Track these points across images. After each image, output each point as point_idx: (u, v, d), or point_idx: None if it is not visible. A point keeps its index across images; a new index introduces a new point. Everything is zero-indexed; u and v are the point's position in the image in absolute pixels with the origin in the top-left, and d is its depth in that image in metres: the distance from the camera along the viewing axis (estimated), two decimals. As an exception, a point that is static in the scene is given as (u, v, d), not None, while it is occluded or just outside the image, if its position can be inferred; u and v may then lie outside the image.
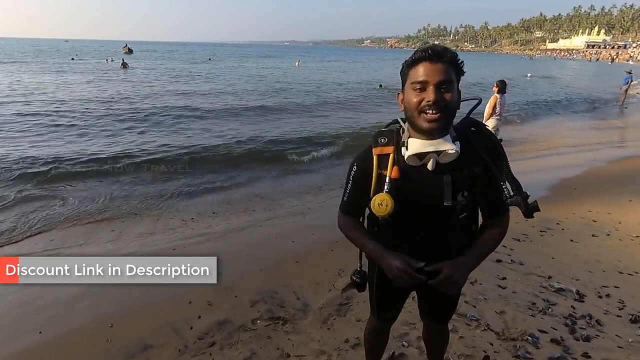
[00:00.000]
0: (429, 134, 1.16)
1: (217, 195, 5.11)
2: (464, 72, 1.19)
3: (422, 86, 1.12)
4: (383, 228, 1.33)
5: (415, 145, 1.18)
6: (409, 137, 1.21)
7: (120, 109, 11.28)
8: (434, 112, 1.12)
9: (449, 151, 1.16)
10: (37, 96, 13.07)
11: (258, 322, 2.54)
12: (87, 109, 11.15)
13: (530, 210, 1.23)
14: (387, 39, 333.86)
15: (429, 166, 1.19)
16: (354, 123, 10.61)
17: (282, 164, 6.71)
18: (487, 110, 6.44)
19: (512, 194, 1.22)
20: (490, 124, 6.48)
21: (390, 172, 1.23)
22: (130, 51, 52.48)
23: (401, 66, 1.22)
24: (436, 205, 1.21)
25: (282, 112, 11.96)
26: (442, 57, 1.12)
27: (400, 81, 1.24)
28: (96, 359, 2.28)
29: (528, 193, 1.23)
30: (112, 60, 32.24)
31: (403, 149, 1.22)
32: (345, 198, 1.39)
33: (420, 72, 1.13)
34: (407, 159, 1.20)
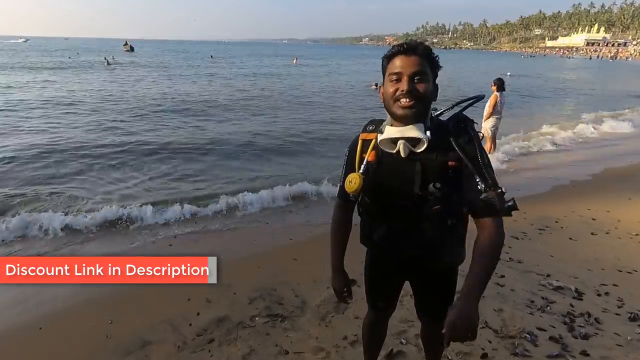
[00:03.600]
0: (403, 121, 1.22)
1: (212, 192, 5.09)
2: (440, 67, 1.26)
3: (398, 77, 1.20)
4: (364, 212, 1.43)
5: (387, 131, 1.26)
6: (390, 124, 1.28)
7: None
8: (407, 100, 1.19)
9: (418, 138, 1.21)
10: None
11: (256, 319, 2.54)
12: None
13: (505, 209, 1.17)
14: (386, 37, 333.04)
15: (401, 151, 1.24)
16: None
17: (281, 161, 6.70)
18: (488, 109, 6.41)
19: (486, 189, 1.18)
20: (489, 123, 6.47)
21: (368, 155, 1.31)
22: (131, 49, 52.32)
23: (381, 60, 1.28)
24: (407, 193, 1.27)
25: (278, 110, 11.95)
26: (415, 50, 1.19)
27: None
28: (96, 355, 2.27)
29: (504, 189, 1.18)
30: (113, 59, 32.39)
31: (379, 135, 1.29)
32: (340, 183, 1.45)
33: (396, 64, 1.20)
34: (379, 142, 1.28)
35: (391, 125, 1.27)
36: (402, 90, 1.18)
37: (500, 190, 1.17)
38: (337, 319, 2.55)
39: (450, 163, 1.23)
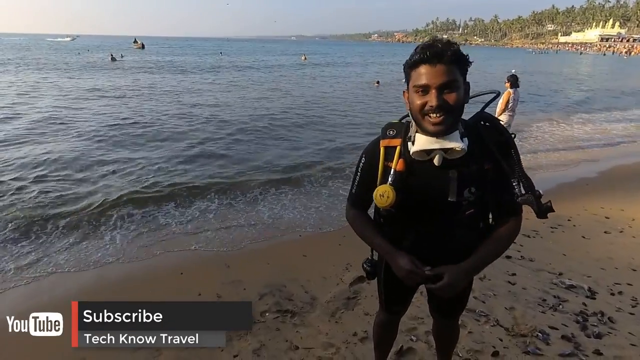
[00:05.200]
0: (434, 135, 1.14)
1: (224, 191, 5.12)
2: (471, 63, 1.15)
3: (424, 90, 1.09)
4: (388, 221, 1.33)
5: (421, 141, 1.16)
6: (416, 131, 1.19)
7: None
8: (437, 115, 1.09)
9: (456, 148, 1.14)
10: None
11: (267, 314, 2.56)
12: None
13: (543, 210, 1.17)
14: (395, 33, 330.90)
15: (436, 162, 1.17)
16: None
17: (289, 159, 6.71)
18: (500, 106, 6.35)
19: (523, 192, 1.18)
20: (502, 119, 6.40)
21: (396, 165, 1.21)
22: (142, 46, 52.61)
23: (402, 65, 1.19)
24: (440, 201, 1.20)
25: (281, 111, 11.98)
26: (442, 58, 1.07)
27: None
28: (107, 350, 2.29)
29: (541, 192, 1.18)
30: (122, 57, 32.69)
31: (409, 143, 1.20)
32: (353, 190, 1.38)
33: (421, 75, 1.09)
34: (412, 153, 1.19)
35: (417, 131, 1.19)
36: (431, 106, 1.08)
37: (538, 193, 1.17)
38: (346, 315, 2.56)
39: (486, 167, 1.19)
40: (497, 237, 1.27)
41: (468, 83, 1.17)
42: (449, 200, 1.19)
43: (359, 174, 1.35)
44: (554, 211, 1.17)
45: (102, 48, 51.03)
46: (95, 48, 50.97)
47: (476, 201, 1.21)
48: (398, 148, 1.23)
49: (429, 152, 1.17)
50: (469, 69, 1.16)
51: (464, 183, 1.18)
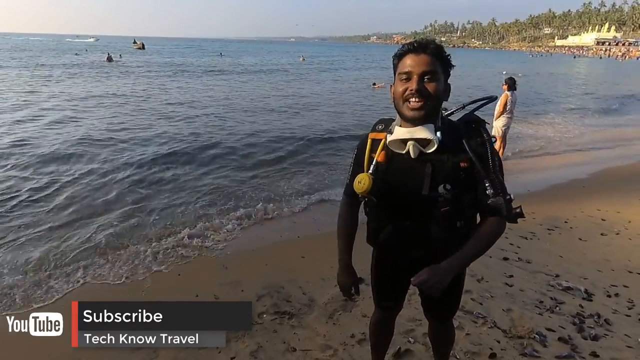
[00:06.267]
0: (413, 122, 1.20)
1: (222, 191, 5.11)
2: (453, 66, 1.24)
3: (407, 76, 1.18)
4: (371, 211, 1.40)
5: (397, 132, 1.24)
6: (399, 125, 1.26)
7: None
8: (417, 100, 1.17)
9: (428, 139, 1.19)
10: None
11: (264, 316, 2.56)
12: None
13: (512, 216, 1.19)
14: (394, 35, 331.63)
15: (411, 152, 1.22)
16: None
17: (288, 160, 6.71)
18: (498, 108, 6.39)
19: (493, 193, 1.19)
20: (500, 122, 6.45)
21: (378, 156, 1.30)
22: (142, 47, 52.10)
23: (392, 59, 1.27)
24: (415, 194, 1.24)
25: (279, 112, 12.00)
26: (426, 49, 1.17)
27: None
28: (106, 352, 2.29)
29: (512, 196, 1.20)
30: (120, 57, 32.57)
31: (388, 135, 1.27)
32: (347, 180, 1.45)
33: (406, 63, 1.19)
34: (388, 143, 1.26)
35: (400, 126, 1.25)
36: (411, 90, 1.16)
37: (508, 197, 1.19)
38: (344, 317, 2.56)
39: (461, 164, 1.22)
40: (478, 235, 1.27)
41: (449, 84, 1.24)
42: (424, 195, 1.23)
43: (351, 165, 1.44)
44: (523, 217, 1.19)
45: (104, 49, 50.57)
46: (102, 48, 50.33)
47: (452, 199, 1.23)
48: (383, 141, 1.30)
49: (405, 143, 1.23)
50: (451, 70, 1.24)
51: (438, 178, 1.22)
